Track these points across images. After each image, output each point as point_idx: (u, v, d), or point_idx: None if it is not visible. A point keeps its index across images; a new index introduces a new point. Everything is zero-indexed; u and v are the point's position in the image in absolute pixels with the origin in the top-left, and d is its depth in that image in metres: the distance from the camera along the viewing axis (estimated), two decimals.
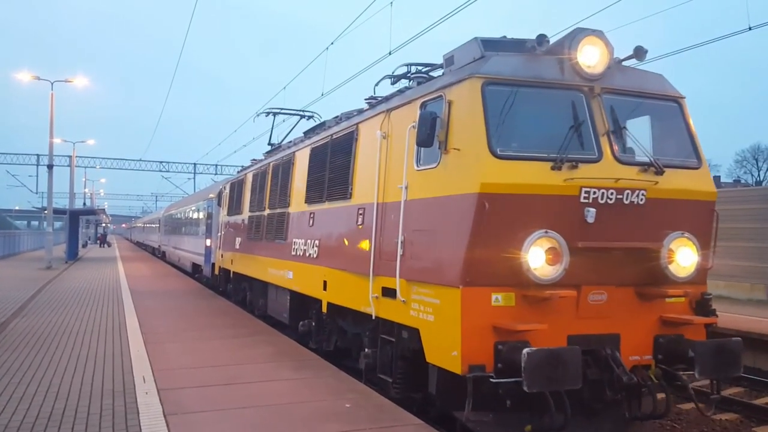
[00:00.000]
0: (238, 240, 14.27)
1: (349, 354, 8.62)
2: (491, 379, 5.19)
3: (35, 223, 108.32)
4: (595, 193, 5.44)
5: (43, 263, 27.37)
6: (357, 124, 7.82)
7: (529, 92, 5.66)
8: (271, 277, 11.21)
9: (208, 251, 19.34)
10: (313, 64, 18.25)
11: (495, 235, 5.26)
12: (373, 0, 12.95)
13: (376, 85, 8.05)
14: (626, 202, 5.55)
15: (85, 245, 57.43)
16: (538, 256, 5.32)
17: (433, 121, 5.61)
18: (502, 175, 5.29)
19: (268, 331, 10.89)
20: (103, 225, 79.01)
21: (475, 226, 5.20)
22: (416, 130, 5.80)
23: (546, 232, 5.32)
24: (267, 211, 11.75)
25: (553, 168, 5.40)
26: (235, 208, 15.12)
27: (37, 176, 52.06)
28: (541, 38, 5.75)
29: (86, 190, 72.06)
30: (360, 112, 8.23)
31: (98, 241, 67.10)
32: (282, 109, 14.33)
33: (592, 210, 5.43)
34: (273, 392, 6.67)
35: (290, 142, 12.12)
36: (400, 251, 6.17)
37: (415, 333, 6.04)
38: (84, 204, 64.39)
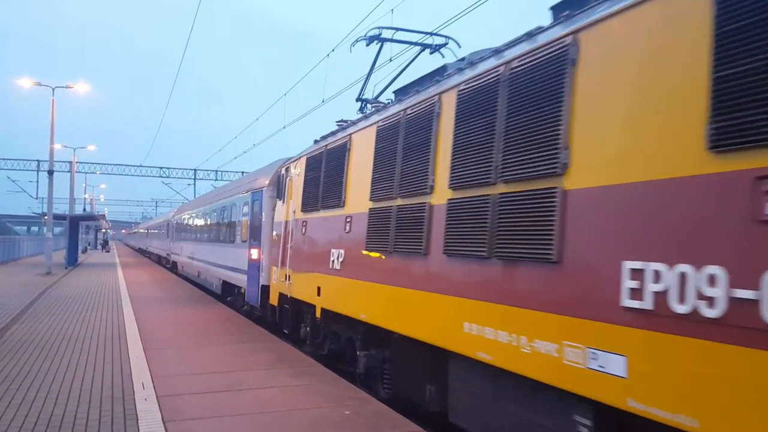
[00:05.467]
0: (337, 254, 8.20)
1: None
2: None
3: (35, 228, 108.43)
4: None
5: (42, 269, 27.35)
6: None
7: None
8: (487, 347, 4.87)
9: (253, 267, 13.40)
10: (313, 71, 18.30)
11: None
12: (375, 7, 13.03)
13: None
14: None
15: (85, 251, 57.51)
16: None
17: None
18: None
19: (268, 338, 10.89)
20: (104, 231, 79.31)
21: None
22: None
23: None
24: (456, 195, 5.43)
25: None
26: (322, 198, 9.03)
27: (37, 182, 52.15)
28: None
29: (86, 195, 72.16)
30: None
31: (100, 246, 68.66)
32: (397, 29, 9.26)
33: None
34: (272, 399, 6.67)
35: (449, 69, 6.54)
36: None
37: None
38: (84, 209, 64.46)
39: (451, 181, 5.50)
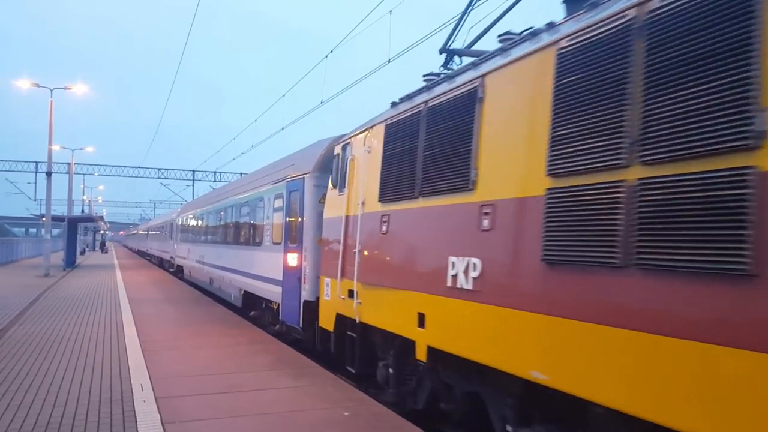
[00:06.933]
0: (464, 265, 5.26)
1: None
2: None
3: (33, 230, 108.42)
4: None
5: (40, 270, 27.30)
6: None
7: None
8: None
9: (292, 277, 10.78)
10: (312, 71, 18.30)
11: None
12: (374, 8, 13.05)
13: None
14: None
15: (83, 252, 57.53)
16: None
17: None
18: None
19: (267, 339, 10.88)
20: (101, 232, 79.65)
21: None
22: None
23: None
24: None
25: None
26: (422, 180, 6.11)
27: (35, 183, 52.22)
28: None
29: (85, 197, 72.20)
30: None
31: (100, 248, 69.88)
32: None
33: None
34: (272, 400, 6.66)
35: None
36: None
37: None
38: (82, 211, 64.48)
39: None
